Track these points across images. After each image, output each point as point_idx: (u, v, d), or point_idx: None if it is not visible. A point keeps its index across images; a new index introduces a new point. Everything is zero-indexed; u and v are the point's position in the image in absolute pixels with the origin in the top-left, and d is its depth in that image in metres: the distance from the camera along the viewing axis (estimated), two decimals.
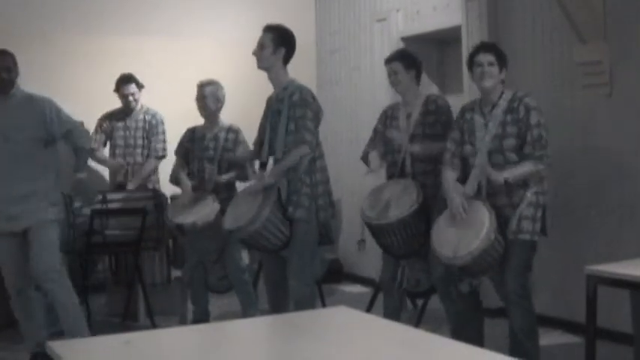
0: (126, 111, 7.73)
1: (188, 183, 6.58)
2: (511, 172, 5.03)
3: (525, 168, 5.06)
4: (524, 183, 5.09)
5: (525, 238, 5.08)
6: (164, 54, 8.64)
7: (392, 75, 5.96)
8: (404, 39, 8.25)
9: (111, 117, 7.79)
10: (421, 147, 5.78)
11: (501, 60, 5.24)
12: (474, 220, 5.03)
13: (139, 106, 7.73)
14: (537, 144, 5.05)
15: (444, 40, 8.18)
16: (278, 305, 5.82)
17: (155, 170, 7.70)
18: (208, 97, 6.60)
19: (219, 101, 6.63)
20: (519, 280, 5.11)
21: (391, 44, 8.34)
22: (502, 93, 5.23)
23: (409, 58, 5.99)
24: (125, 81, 7.64)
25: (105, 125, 7.77)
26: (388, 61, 6.05)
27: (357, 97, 9.00)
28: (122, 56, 8.38)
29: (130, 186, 7.48)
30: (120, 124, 7.73)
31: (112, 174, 7.83)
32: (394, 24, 8.39)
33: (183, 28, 8.85)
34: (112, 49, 8.48)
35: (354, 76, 9.05)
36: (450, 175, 5.35)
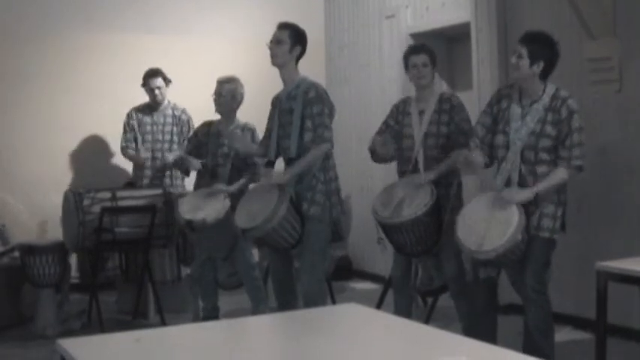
0: (152, 105, 7.77)
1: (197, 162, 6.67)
2: (543, 186, 4.97)
3: (558, 179, 4.99)
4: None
5: (545, 235, 5.03)
6: (174, 52, 8.63)
7: (420, 67, 5.79)
8: (413, 35, 8.24)
9: (137, 112, 7.82)
10: (440, 169, 5.70)
11: (535, 53, 4.99)
12: (502, 216, 4.96)
13: (165, 101, 7.77)
14: (575, 150, 4.94)
15: (453, 37, 8.17)
16: (286, 302, 5.82)
17: None
18: (225, 96, 6.58)
19: (235, 100, 6.61)
20: (537, 277, 5.06)
21: (400, 40, 8.34)
22: (545, 87, 5.09)
23: (434, 53, 5.90)
24: (151, 75, 7.69)
25: (132, 122, 7.80)
26: (415, 51, 5.89)
27: (366, 94, 8.99)
28: (132, 54, 8.39)
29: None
30: (147, 119, 7.77)
31: (136, 169, 7.87)
32: (403, 20, 8.38)
33: (193, 26, 8.86)
34: (122, 46, 8.49)
35: (363, 73, 9.04)
36: (479, 156, 5.23)
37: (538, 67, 5.02)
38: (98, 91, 8.31)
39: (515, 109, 5.12)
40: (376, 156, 5.92)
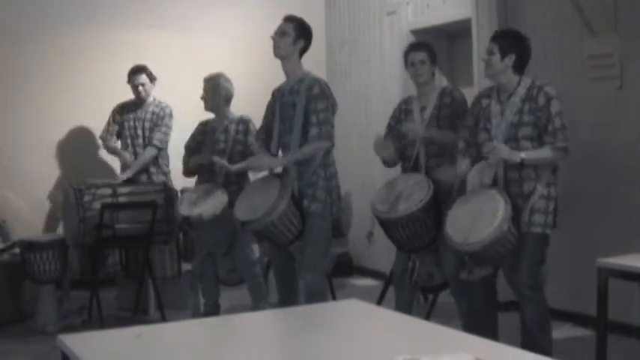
0: (137, 102, 7.75)
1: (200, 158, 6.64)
2: (528, 154, 5.00)
3: (544, 154, 5.01)
4: (536, 174, 5.06)
5: (537, 231, 5.05)
6: (174, 49, 8.64)
7: (418, 64, 5.82)
8: (413, 32, 8.24)
9: (123, 108, 7.81)
10: (437, 133, 5.71)
11: (505, 48, 5.11)
12: (488, 208, 4.99)
13: (150, 98, 7.75)
14: (559, 134, 4.98)
15: (454, 33, 8.16)
16: (287, 298, 5.80)
17: (156, 160, 7.68)
18: (208, 92, 6.61)
19: (218, 94, 6.58)
20: (532, 273, 5.08)
21: (401, 37, 8.33)
22: (520, 80, 5.16)
23: (433, 50, 5.91)
24: (136, 71, 7.66)
25: (117, 117, 7.80)
26: (414, 49, 5.91)
27: (366, 90, 8.99)
28: (132, 51, 8.36)
29: (124, 176, 7.49)
30: (131, 115, 7.75)
31: (123, 166, 7.85)
32: (404, 17, 8.38)
33: (193, 23, 8.85)
34: (122, 43, 8.48)
35: (364, 69, 9.04)
36: (464, 164, 5.31)
37: (510, 60, 5.14)
38: (98, 88, 8.29)
39: (495, 106, 5.22)
40: (385, 162, 5.98)
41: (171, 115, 7.69)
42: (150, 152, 7.58)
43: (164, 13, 8.73)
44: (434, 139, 5.73)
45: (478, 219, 5.00)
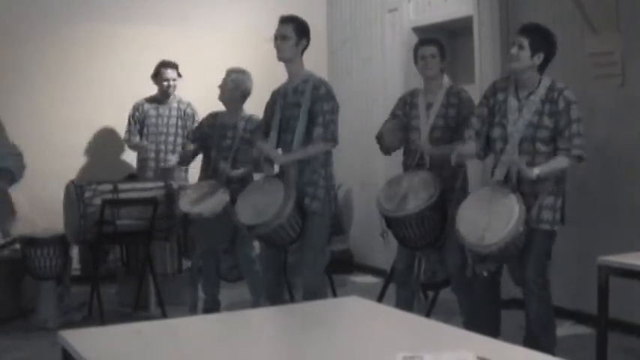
0: (160, 98, 7.80)
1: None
2: (542, 169, 4.94)
3: (558, 165, 4.98)
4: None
5: (546, 227, 5.03)
6: (174, 46, 8.61)
7: (429, 58, 5.82)
8: (415, 29, 8.23)
9: (144, 104, 7.84)
10: (437, 149, 5.70)
11: (536, 45, 5.01)
12: (503, 209, 4.95)
13: (172, 95, 7.80)
14: (576, 141, 4.94)
15: (456, 31, 8.15)
16: (276, 296, 5.78)
17: None
18: (228, 84, 6.59)
19: (239, 90, 6.58)
20: (539, 270, 5.07)
21: (402, 34, 8.33)
22: (540, 79, 5.09)
23: (443, 46, 5.92)
24: (167, 65, 7.73)
25: (137, 114, 7.83)
26: (425, 43, 5.92)
27: (368, 87, 8.98)
28: (133, 48, 8.37)
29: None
30: (153, 112, 7.80)
31: (141, 160, 7.91)
32: (405, 14, 8.37)
33: (195, 19, 8.84)
34: (122, 41, 8.47)
35: (366, 66, 9.03)
36: (472, 145, 5.25)
37: (539, 59, 5.04)
38: (99, 86, 8.29)
39: (513, 102, 5.13)
40: (383, 145, 5.92)
41: (197, 113, 7.84)
42: None
43: (165, 11, 8.71)
44: (436, 156, 5.71)
45: (493, 219, 4.95)
